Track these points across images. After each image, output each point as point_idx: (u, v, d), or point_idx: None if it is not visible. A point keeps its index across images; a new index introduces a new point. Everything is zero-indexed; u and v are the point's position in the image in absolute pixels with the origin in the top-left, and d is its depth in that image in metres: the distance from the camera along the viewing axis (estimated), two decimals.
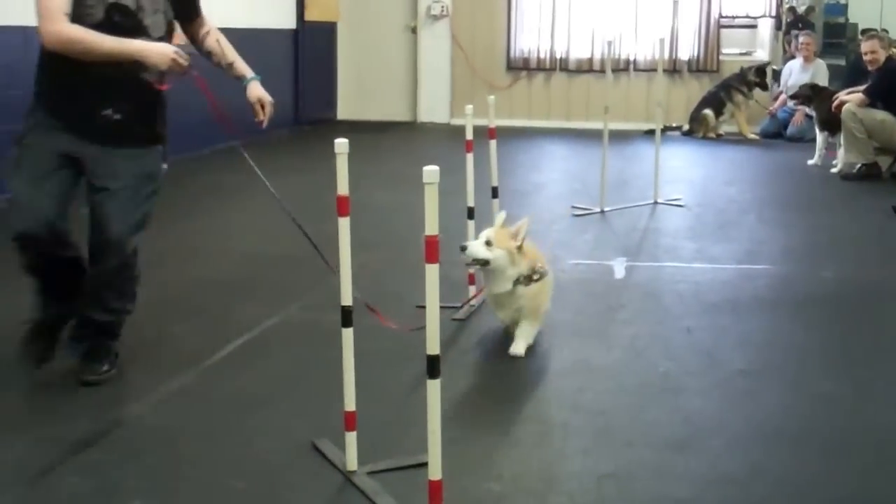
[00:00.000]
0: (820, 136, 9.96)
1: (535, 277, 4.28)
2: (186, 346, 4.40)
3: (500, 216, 4.39)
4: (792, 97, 11.18)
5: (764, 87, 12.33)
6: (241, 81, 4.04)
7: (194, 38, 4.12)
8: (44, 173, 3.72)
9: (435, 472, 2.59)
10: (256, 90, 4.00)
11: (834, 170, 9.49)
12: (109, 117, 3.76)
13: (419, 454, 2.95)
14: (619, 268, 5.86)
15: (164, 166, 4.06)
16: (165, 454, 3.34)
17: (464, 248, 4.20)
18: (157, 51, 3.68)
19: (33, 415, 3.69)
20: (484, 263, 4.23)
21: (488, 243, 4.21)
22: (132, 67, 3.70)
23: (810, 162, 9.94)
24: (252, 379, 4.02)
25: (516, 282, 4.24)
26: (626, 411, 3.74)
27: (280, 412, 3.65)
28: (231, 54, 4.08)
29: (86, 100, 3.74)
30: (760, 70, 12.32)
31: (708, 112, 12.35)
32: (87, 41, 3.62)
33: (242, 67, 4.06)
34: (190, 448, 3.38)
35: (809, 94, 10.34)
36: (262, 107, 3.99)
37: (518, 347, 4.29)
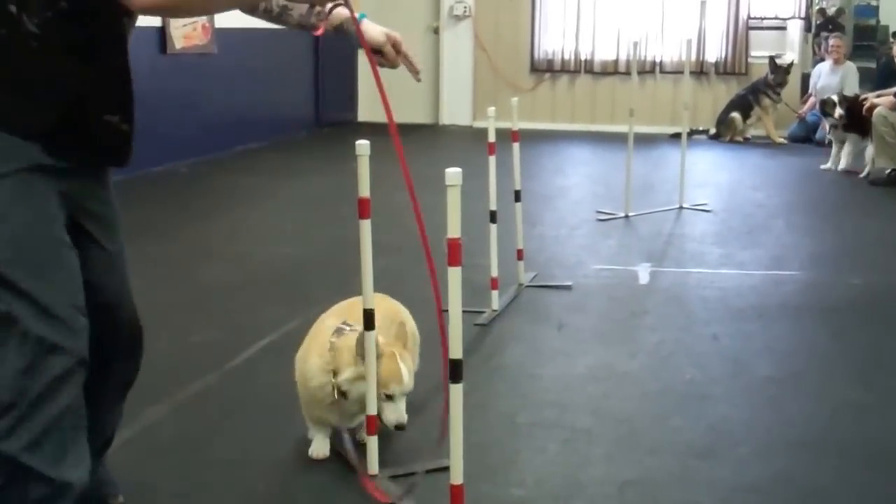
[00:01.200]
0: (833, 138, 9.92)
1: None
2: (207, 348, 4.45)
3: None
4: (832, 127, 11.19)
5: (781, 84, 12.27)
6: (349, 26, 2.93)
7: (267, 7, 2.98)
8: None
9: (457, 477, 2.62)
10: (374, 27, 3.06)
11: (861, 174, 9.48)
12: (114, 123, 2.51)
13: (441, 459, 2.98)
14: (643, 273, 5.88)
15: None
16: (186, 457, 3.38)
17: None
18: None
19: None
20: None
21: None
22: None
23: (823, 167, 9.93)
24: (273, 382, 4.06)
25: None
26: (650, 418, 3.76)
27: (301, 415, 3.68)
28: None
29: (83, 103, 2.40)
30: (779, 68, 12.27)
31: (735, 115, 12.35)
32: None
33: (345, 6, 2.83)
34: (211, 450, 3.43)
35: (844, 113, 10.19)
36: (397, 50, 3.18)
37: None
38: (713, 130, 12.58)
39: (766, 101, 12.31)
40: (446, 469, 2.68)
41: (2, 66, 2.27)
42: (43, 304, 2.28)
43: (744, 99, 12.44)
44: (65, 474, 2.32)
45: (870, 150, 9.48)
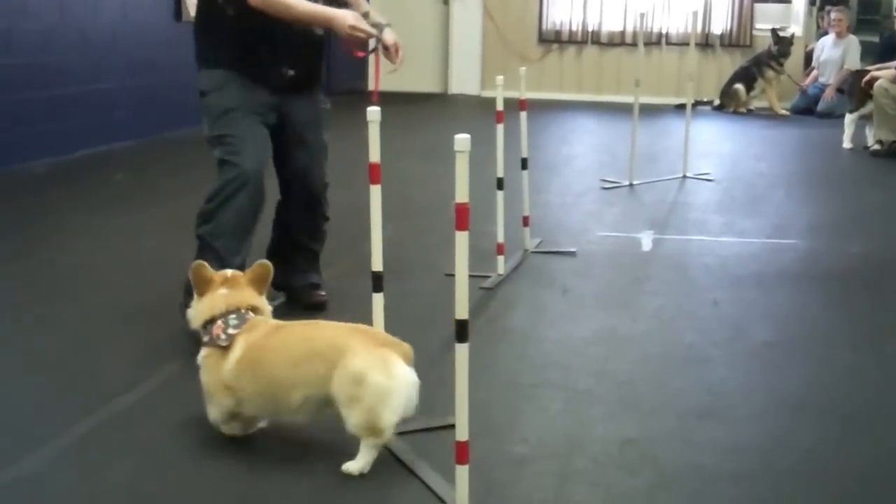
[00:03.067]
0: (849, 118, 9.78)
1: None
2: None
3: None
4: (839, 90, 11.11)
5: (784, 56, 12.21)
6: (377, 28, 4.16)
7: None
8: (256, 121, 4.05)
9: (462, 434, 2.65)
10: (392, 35, 4.17)
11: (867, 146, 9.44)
12: (285, 73, 4.10)
13: (447, 416, 3.01)
14: (646, 240, 5.88)
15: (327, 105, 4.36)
16: (202, 416, 3.40)
17: None
18: (341, 18, 3.94)
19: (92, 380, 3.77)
20: None
21: None
22: (308, 31, 4.09)
23: (846, 146, 9.73)
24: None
25: None
26: (650, 380, 3.78)
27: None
28: (364, 4, 4.27)
29: (269, 59, 4.06)
30: (782, 39, 12.21)
31: (739, 87, 12.30)
32: (288, 2, 3.92)
33: (376, 16, 4.23)
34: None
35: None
36: (397, 51, 4.16)
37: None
38: (717, 101, 12.54)
39: (770, 73, 12.27)
40: (452, 427, 2.70)
41: (230, 35, 3.99)
42: (234, 147, 3.97)
43: (748, 71, 12.39)
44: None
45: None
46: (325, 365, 2.91)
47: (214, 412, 3.11)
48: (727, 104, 12.40)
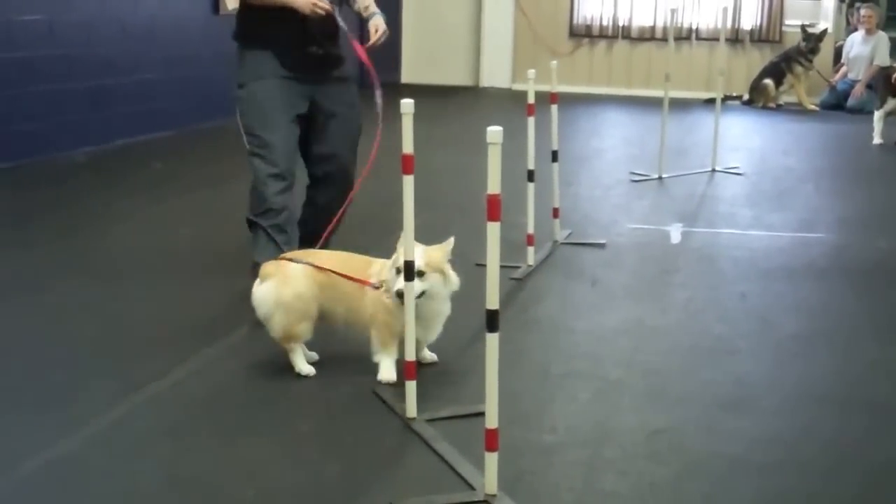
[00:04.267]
0: (878, 114, 9.64)
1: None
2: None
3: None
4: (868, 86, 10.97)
5: (814, 52, 12.09)
6: (367, 14, 4.47)
7: None
8: (287, 118, 4.31)
9: (491, 421, 2.65)
10: (377, 21, 4.43)
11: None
12: (315, 52, 4.35)
13: (477, 404, 3.01)
14: (675, 233, 5.86)
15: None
16: (235, 399, 3.43)
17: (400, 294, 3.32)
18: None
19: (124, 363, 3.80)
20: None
21: (420, 273, 3.42)
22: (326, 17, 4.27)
23: (876, 142, 9.56)
24: (318, 330, 4.09)
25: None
26: (678, 371, 3.77)
27: (343, 362, 3.72)
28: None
29: (295, 40, 4.29)
30: (810, 36, 12.10)
31: (768, 82, 12.21)
32: None
33: (371, 5, 4.51)
34: (260, 394, 3.47)
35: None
36: (376, 30, 4.40)
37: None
38: (746, 96, 12.45)
39: (799, 69, 12.16)
40: (482, 414, 2.70)
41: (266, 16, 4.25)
42: (264, 141, 4.26)
43: (777, 66, 12.28)
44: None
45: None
46: None
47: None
48: (756, 99, 12.30)
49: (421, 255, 3.39)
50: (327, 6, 4.21)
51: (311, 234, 4.35)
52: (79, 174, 7.27)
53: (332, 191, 4.49)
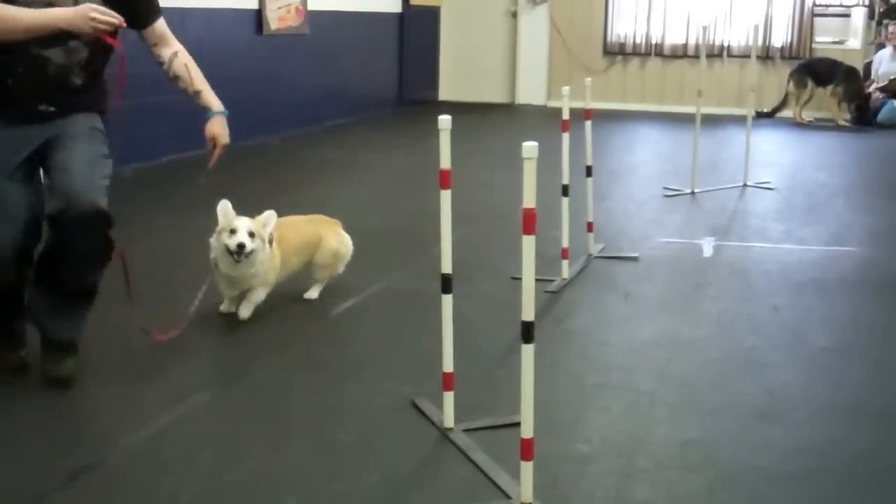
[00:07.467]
0: None
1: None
2: (294, 309, 4.50)
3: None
4: (881, 90, 10.89)
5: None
6: (205, 113, 3.89)
7: (161, 60, 3.92)
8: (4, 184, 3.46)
9: (527, 431, 2.64)
10: (215, 126, 3.89)
11: None
12: (45, 110, 3.54)
13: (512, 415, 2.99)
14: (707, 247, 5.81)
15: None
16: (277, 408, 3.43)
17: (242, 246, 4.17)
18: (75, 13, 3.34)
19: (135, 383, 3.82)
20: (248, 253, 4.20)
21: (252, 234, 4.22)
22: (59, 71, 3.49)
23: None
24: (356, 341, 4.11)
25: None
26: (711, 383, 3.74)
27: (382, 372, 3.72)
28: (200, 83, 3.88)
29: (21, 96, 3.48)
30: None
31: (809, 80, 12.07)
32: (6, 17, 3.28)
33: (210, 98, 3.88)
34: (299, 403, 3.47)
35: None
36: (214, 146, 3.88)
37: (246, 311, 4.30)
38: (791, 85, 12.24)
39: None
40: (517, 424, 2.69)
41: None
42: None
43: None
44: None
45: None
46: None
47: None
48: (799, 91, 12.11)
49: (250, 222, 4.26)
50: (117, 19, 3.40)
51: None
52: (127, 189, 7.29)
53: (69, 239, 3.63)
